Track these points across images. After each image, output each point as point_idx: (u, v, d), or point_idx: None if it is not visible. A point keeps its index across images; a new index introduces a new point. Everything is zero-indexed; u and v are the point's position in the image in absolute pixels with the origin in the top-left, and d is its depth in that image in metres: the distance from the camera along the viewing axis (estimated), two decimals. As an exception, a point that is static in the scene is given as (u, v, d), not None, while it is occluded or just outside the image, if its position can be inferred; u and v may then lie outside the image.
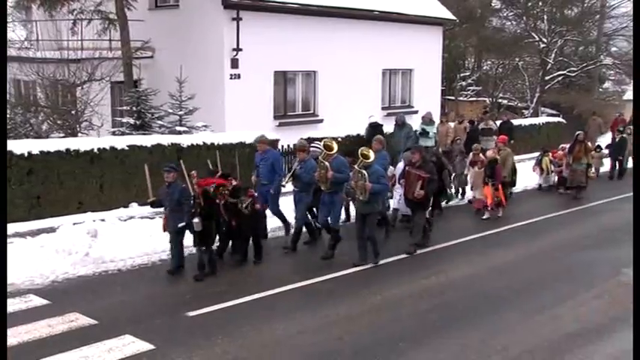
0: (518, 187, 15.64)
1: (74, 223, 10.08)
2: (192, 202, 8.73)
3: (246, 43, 16.11)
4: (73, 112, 15.37)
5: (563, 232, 12.17)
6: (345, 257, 9.89)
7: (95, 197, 12.16)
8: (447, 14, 22.40)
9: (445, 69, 25.45)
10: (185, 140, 13.56)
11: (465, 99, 31.79)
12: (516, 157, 15.66)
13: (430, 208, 10.97)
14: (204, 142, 13.60)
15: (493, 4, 33.73)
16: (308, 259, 10.05)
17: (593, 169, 16.71)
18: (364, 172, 9.31)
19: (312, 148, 10.81)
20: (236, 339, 6.96)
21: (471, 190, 13.89)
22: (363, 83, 19.37)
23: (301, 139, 11.80)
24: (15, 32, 19.61)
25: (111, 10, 15.99)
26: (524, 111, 30.66)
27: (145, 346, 6.73)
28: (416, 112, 20.40)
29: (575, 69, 30.27)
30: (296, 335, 7.13)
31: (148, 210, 10.92)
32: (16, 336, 6.78)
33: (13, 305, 7.62)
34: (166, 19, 16.98)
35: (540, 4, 31.11)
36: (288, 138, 15.05)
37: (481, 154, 13.37)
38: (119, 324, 7.21)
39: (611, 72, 33.82)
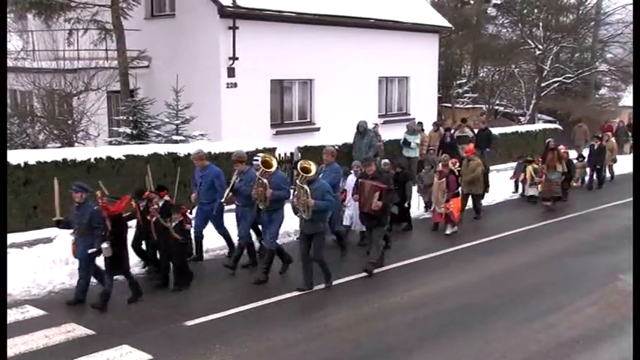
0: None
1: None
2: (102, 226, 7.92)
3: (243, 52, 16.15)
4: (69, 122, 15.36)
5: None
6: (344, 264, 9.90)
7: (92, 207, 12.11)
8: (443, 22, 22.50)
9: (441, 76, 25.55)
10: (182, 149, 13.54)
11: (462, 106, 31.87)
12: (511, 165, 15.62)
13: (388, 225, 10.34)
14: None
15: (489, 12, 33.91)
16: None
17: (575, 179, 16.17)
18: (306, 187, 8.47)
19: (254, 162, 9.62)
20: (233, 348, 6.95)
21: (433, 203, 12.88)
22: (359, 91, 19.41)
23: (255, 151, 11.27)
24: (11, 42, 19.60)
25: (107, 19, 16.03)
26: (520, 118, 30.74)
27: (142, 356, 6.72)
28: (412, 119, 20.42)
29: (571, 75, 30.38)
30: (293, 344, 7.12)
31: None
32: (12, 347, 6.76)
33: (9, 316, 7.60)
34: (163, 28, 17.02)
35: (536, 11, 31.28)
36: (285, 146, 15.07)
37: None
38: (117, 334, 7.20)
39: (607, 78, 33.95)
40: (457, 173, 12.69)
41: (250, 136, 15.21)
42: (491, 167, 18.83)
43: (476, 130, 19.43)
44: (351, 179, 10.76)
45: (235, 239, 10.00)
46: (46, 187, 11.51)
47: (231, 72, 16.21)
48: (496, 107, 32.29)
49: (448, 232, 12.14)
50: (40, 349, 6.84)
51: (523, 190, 15.95)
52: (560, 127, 25.41)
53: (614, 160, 19.14)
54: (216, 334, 7.30)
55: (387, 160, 12.10)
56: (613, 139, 19.52)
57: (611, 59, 32.63)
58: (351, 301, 8.49)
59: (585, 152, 19.35)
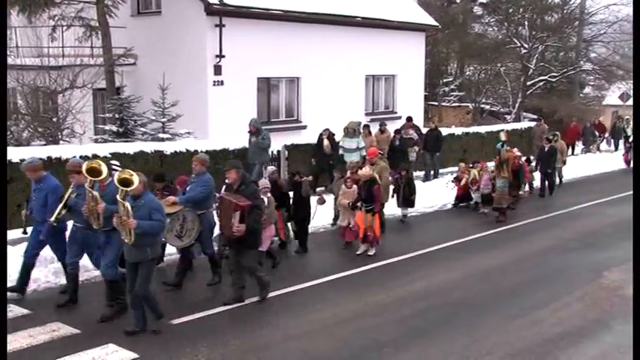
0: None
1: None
2: None
3: (230, 50, 16.11)
4: (54, 119, 15.24)
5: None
6: (328, 266, 9.91)
7: (77, 205, 12.03)
8: (430, 20, 22.58)
9: (428, 75, 25.65)
10: (168, 147, 13.51)
11: (448, 104, 32.04)
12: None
13: (262, 248, 8.85)
14: (187, 149, 13.56)
15: (475, 11, 34.10)
16: (288, 267, 10.05)
17: (525, 187, 14.93)
18: (127, 204, 6.86)
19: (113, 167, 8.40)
20: (219, 346, 6.94)
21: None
22: (346, 89, 19.43)
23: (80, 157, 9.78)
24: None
25: (92, 16, 15.91)
26: (506, 116, 30.94)
27: (128, 355, 6.68)
28: (399, 117, 20.50)
29: (556, 74, 30.65)
30: (280, 342, 7.12)
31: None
32: (-4, 347, 6.69)
33: (-7, 315, 7.53)
34: (149, 25, 16.92)
35: (521, 10, 31.51)
36: (272, 144, 15.03)
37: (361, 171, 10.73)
38: (102, 333, 7.15)
39: (591, 77, 34.30)
40: (379, 182, 10.71)
41: (237, 134, 15.18)
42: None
43: (424, 131, 18.17)
44: None
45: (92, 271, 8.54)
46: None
47: (217, 70, 16.15)
48: (482, 106, 32.47)
49: (370, 252, 10.35)
50: (24, 349, 6.77)
51: (458, 197, 14.57)
52: (546, 126, 25.61)
53: (564, 162, 17.88)
54: (203, 333, 7.28)
55: (272, 168, 11.15)
56: (562, 140, 17.99)
57: (595, 58, 32.97)
58: (337, 299, 8.49)
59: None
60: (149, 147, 13.29)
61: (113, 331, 7.23)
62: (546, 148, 16.37)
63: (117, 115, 14.97)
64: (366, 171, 10.57)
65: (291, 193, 10.69)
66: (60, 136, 15.10)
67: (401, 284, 9.12)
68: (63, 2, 16.00)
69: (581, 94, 34.25)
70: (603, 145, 26.18)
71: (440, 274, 9.65)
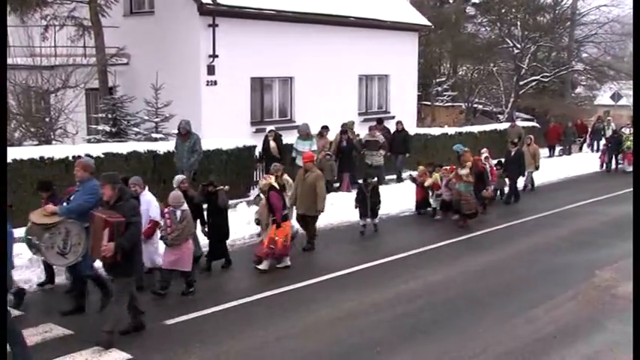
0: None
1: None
2: None
3: (223, 50, 16.08)
4: (46, 119, 15.17)
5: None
6: (320, 266, 9.91)
7: (70, 205, 11.97)
8: (423, 20, 22.62)
9: (421, 74, 25.67)
10: (161, 147, 13.46)
11: (441, 104, 32.13)
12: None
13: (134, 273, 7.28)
14: (180, 149, 13.51)
15: (468, 11, 34.22)
16: (277, 267, 10.06)
17: (490, 189, 14.07)
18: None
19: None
20: (213, 346, 6.92)
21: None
22: (339, 89, 19.43)
23: None
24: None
25: (85, 16, 15.84)
26: (499, 116, 31.06)
27: (121, 355, 6.66)
28: (392, 117, 20.51)
29: (548, 74, 30.80)
30: (273, 342, 7.11)
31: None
32: (-12, 348, 6.65)
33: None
34: (142, 25, 16.86)
35: (514, 10, 31.65)
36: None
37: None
38: (95, 334, 7.09)
39: (582, 77, 34.48)
40: (279, 187, 9.95)
41: (230, 134, 15.16)
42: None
43: (392, 130, 17.19)
44: (154, 205, 8.63)
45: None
46: (23, 186, 11.37)
47: (211, 70, 16.12)
48: (475, 105, 32.58)
49: (261, 266, 9.44)
50: (16, 350, 6.73)
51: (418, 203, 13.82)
52: (538, 125, 25.74)
53: (537, 167, 16.74)
54: (196, 333, 7.26)
55: (181, 177, 9.56)
56: (534, 144, 16.97)
57: (586, 59, 33.17)
58: (331, 298, 8.49)
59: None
60: (142, 147, 13.24)
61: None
62: (512, 153, 15.58)
63: (110, 115, 14.92)
64: (263, 182, 9.78)
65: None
66: (52, 136, 15.03)
67: (395, 284, 9.13)
68: (55, 2, 15.93)
69: (573, 94, 34.45)
70: (586, 147, 25.99)
71: (434, 274, 9.65)
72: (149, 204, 8.62)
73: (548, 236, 12.08)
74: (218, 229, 9.49)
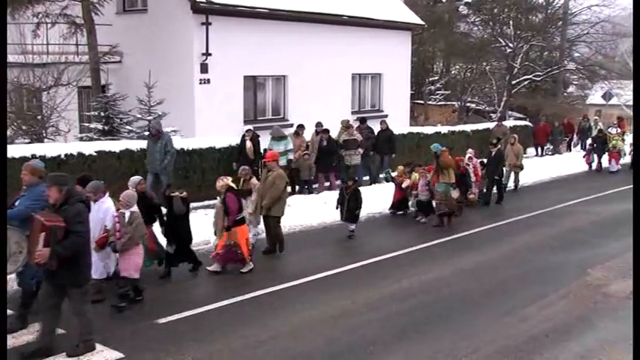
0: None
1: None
2: None
3: (216, 48, 16.04)
4: (38, 117, 15.09)
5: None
6: (314, 265, 9.92)
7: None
8: (415, 19, 22.65)
9: (414, 73, 25.71)
10: (154, 146, 13.40)
11: (434, 103, 32.19)
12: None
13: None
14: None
15: (460, 10, 34.27)
16: (271, 266, 10.05)
17: (475, 190, 14.02)
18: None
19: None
20: (206, 345, 6.92)
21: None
22: (332, 88, 19.43)
23: None
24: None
25: (77, 14, 15.75)
26: (492, 115, 31.16)
27: (113, 354, 6.64)
28: (386, 115, 20.55)
29: (540, 73, 30.91)
30: (267, 341, 7.11)
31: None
32: (-21, 347, 6.61)
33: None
34: (134, 23, 16.80)
35: (506, 10, 31.75)
36: (261, 142, 14.96)
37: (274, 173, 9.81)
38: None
39: (574, 77, 34.65)
40: (245, 192, 9.84)
41: (223, 132, 15.13)
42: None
43: (377, 130, 16.67)
44: (112, 214, 7.98)
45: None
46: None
47: (204, 68, 16.09)
48: (468, 104, 32.67)
49: (244, 270, 9.33)
50: (7, 350, 6.69)
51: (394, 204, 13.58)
52: (531, 124, 25.82)
53: (521, 167, 16.34)
54: (189, 332, 7.25)
55: (138, 178, 9.12)
56: (518, 144, 16.52)
57: (578, 58, 33.33)
58: (324, 298, 8.50)
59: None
60: (135, 145, 13.20)
61: (98, 330, 7.14)
62: (493, 153, 15.08)
63: (102, 113, 14.86)
64: (220, 183, 9.42)
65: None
66: (44, 135, 14.96)
67: (388, 283, 9.15)
68: (47, -1, 15.87)
69: (565, 94, 34.61)
70: (574, 146, 25.94)
71: (426, 273, 9.67)
72: (107, 212, 7.99)
73: (539, 235, 12.12)
74: (177, 234, 9.09)
